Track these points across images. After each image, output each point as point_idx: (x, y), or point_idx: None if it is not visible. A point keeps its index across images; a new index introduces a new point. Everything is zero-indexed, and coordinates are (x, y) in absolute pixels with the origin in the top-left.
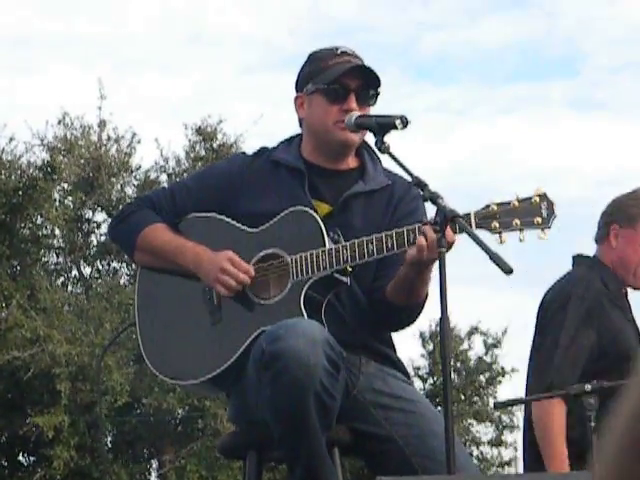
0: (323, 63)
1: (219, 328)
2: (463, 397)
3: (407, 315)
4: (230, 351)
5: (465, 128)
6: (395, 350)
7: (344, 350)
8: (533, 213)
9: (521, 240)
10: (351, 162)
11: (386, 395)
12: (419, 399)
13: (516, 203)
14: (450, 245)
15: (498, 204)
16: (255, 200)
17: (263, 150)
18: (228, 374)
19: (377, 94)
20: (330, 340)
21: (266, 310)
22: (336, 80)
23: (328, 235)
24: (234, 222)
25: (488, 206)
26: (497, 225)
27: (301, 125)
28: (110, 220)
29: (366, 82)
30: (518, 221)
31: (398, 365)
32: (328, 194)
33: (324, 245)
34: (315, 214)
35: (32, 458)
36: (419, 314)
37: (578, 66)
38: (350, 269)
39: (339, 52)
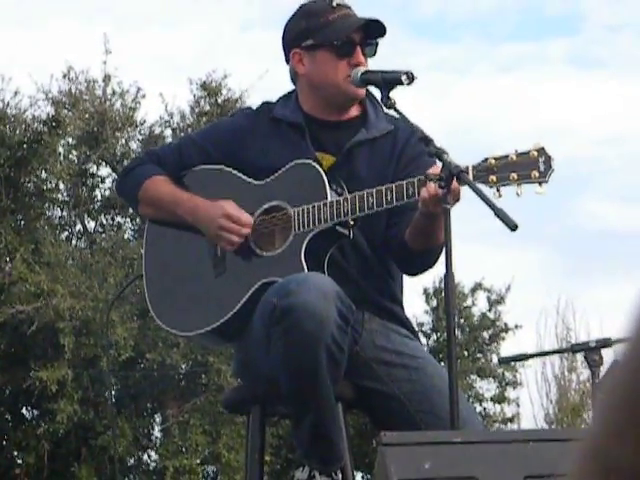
0: (323, 18)
1: (222, 280)
2: (466, 353)
3: (428, 258)
4: (232, 302)
5: (465, 86)
6: (402, 306)
7: None
8: (530, 167)
9: (518, 195)
10: (353, 111)
11: (388, 351)
12: (422, 355)
13: (514, 157)
14: (456, 197)
15: (496, 158)
16: (260, 154)
17: (265, 105)
18: (231, 325)
19: (377, 44)
20: (340, 293)
21: (268, 262)
22: (344, 36)
23: (331, 187)
24: (240, 174)
25: (486, 159)
26: (494, 179)
27: (294, 80)
28: (119, 172)
29: (368, 34)
30: (515, 175)
31: (403, 321)
32: (331, 145)
33: (326, 197)
34: (318, 166)
35: (35, 412)
36: (439, 256)
37: (578, 24)
38: (352, 222)
39: (334, 5)
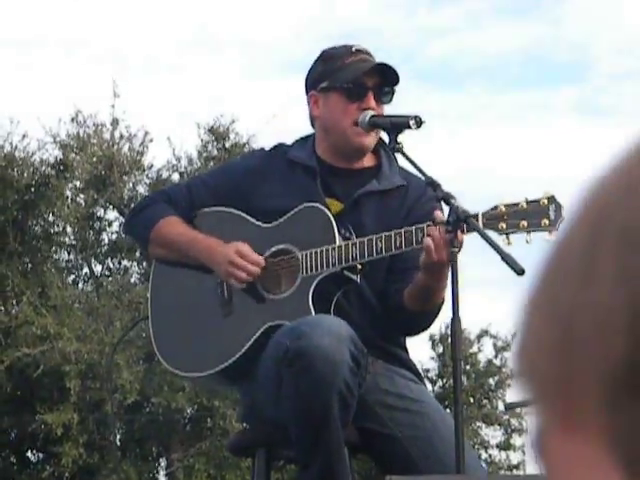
0: (340, 61)
1: (229, 322)
2: (472, 400)
3: (422, 321)
4: (238, 345)
5: (470, 133)
6: (406, 350)
7: None
8: (541, 215)
9: (528, 242)
10: (367, 161)
11: (392, 395)
12: (426, 399)
13: (524, 205)
14: (460, 246)
15: (506, 205)
16: (270, 196)
17: (280, 146)
18: (236, 368)
19: (393, 92)
20: (354, 337)
21: (275, 305)
22: (356, 79)
23: (339, 232)
24: (248, 217)
25: (496, 207)
26: (504, 226)
27: (313, 124)
28: (126, 214)
29: (383, 80)
30: (525, 222)
31: (408, 364)
32: (341, 192)
33: (334, 242)
34: (327, 211)
35: (41, 455)
36: (434, 320)
37: (584, 73)
38: (360, 267)
39: (354, 50)
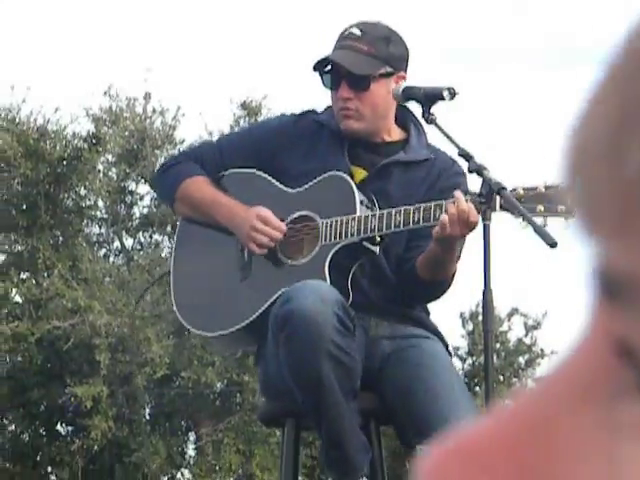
0: (334, 45)
1: (246, 284)
2: (502, 378)
3: (432, 290)
4: (252, 309)
5: (498, 112)
6: (426, 309)
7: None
8: (558, 201)
9: (544, 226)
10: (395, 134)
11: (392, 361)
12: (428, 362)
13: (542, 189)
14: (473, 225)
15: (525, 188)
16: (297, 160)
17: (310, 112)
18: (249, 331)
19: (369, 79)
20: (339, 300)
21: (292, 271)
22: (326, 67)
23: (361, 203)
24: (274, 181)
25: (515, 189)
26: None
27: None
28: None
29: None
30: (542, 207)
31: (423, 323)
32: (367, 161)
33: (355, 212)
34: (350, 181)
35: (70, 428)
36: (444, 291)
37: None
38: (379, 239)
39: (346, 34)
